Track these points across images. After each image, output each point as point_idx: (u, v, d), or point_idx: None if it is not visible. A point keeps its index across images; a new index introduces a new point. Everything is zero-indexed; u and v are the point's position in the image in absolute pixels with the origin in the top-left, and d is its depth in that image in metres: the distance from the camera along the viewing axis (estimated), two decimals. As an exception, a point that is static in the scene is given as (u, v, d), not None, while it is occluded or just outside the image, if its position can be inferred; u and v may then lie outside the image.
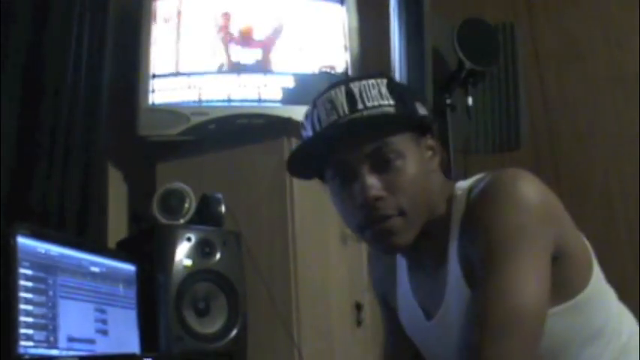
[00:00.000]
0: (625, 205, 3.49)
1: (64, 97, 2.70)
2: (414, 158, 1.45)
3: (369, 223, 1.44)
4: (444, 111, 3.04)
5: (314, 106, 1.49)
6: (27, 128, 2.58)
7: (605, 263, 3.25)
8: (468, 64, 2.97)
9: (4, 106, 2.50)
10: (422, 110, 1.50)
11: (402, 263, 1.63)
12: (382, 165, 1.43)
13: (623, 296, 3.18)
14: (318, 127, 1.47)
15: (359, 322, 3.06)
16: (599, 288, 1.48)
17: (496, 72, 3.17)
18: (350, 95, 1.45)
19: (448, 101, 3.03)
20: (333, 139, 1.46)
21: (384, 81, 1.48)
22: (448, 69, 3.04)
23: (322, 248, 3.02)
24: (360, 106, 1.44)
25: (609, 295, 1.53)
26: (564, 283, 1.41)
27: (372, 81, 1.47)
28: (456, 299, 1.44)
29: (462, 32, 3.01)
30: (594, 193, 3.56)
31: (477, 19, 3.09)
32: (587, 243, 1.52)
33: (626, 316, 1.56)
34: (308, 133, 1.50)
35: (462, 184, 1.50)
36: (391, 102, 1.44)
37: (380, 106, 1.44)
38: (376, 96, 1.44)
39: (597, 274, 1.49)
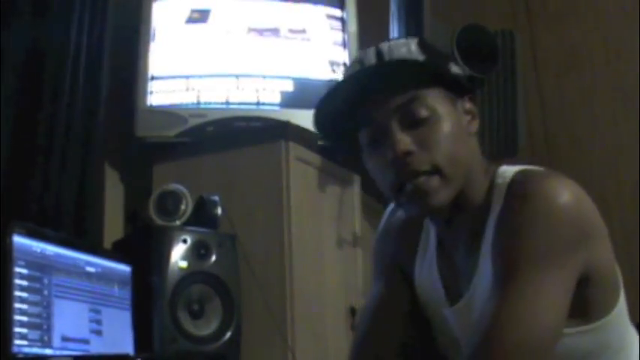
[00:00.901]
0: (622, 213, 3.49)
1: (62, 98, 2.70)
2: (449, 117, 1.38)
3: (401, 180, 1.35)
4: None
5: (346, 67, 1.47)
6: (25, 128, 2.58)
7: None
8: (466, 71, 2.97)
9: (2, 106, 2.50)
10: (456, 70, 1.44)
11: (430, 238, 1.53)
12: (413, 120, 1.36)
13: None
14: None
15: (353, 327, 3.06)
16: (622, 313, 1.44)
17: (495, 79, 3.17)
18: (379, 53, 1.39)
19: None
20: (360, 91, 1.39)
21: (415, 40, 1.41)
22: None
23: (317, 252, 3.02)
24: (387, 58, 1.37)
25: (628, 318, 1.48)
26: (592, 306, 1.37)
27: (402, 40, 1.42)
28: (481, 293, 1.37)
29: (461, 39, 3.01)
30: (591, 200, 3.56)
31: (477, 26, 3.10)
32: (617, 267, 1.46)
33: (635, 337, 1.51)
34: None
35: (506, 171, 1.42)
36: (420, 57, 1.38)
37: (407, 60, 1.38)
38: (405, 53, 1.38)
39: (623, 299, 1.44)
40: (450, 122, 1.37)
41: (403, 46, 1.39)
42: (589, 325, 1.37)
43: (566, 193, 1.32)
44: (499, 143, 3.16)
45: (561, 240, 1.28)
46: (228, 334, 2.64)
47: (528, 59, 3.63)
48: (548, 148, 3.68)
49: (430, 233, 1.53)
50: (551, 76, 3.78)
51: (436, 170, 1.34)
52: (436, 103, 1.37)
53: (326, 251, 3.06)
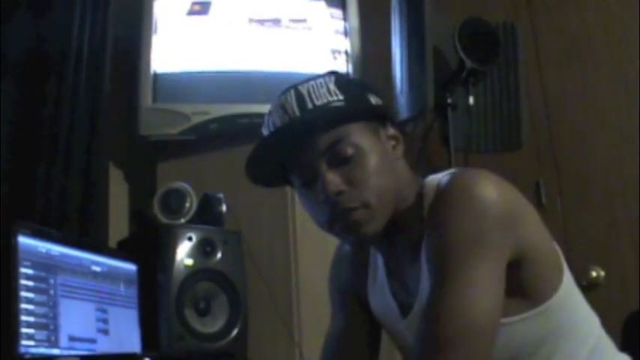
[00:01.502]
0: (626, 205, 3.48)
1: (65, 97, 2.70)
2: (373, 149, 1.45)
3: (334, 217, 1.44)
4: (445, 110, 3.04)
5: (269, 113, 1.51)
6: (28, 128, 2.58)
7: (606, 263, 3.25)
8: (468, 64, 2.97)
9: (5, 106, 2.50)
10: (375, 100, 1.49)
11: (378, 262, 1.61)
12: (340, 159, 1.43)
13: (625, 293, 3.18)
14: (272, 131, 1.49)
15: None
16: (569, 293, 1.46)
17: (497, 71, 3.17)
18: (299, 97, 1.46)
19: (449, 100, 3.03)
20: (287, 141, 1.47)
21: (332, 78, 1.48)
22: (449, 68, 3.04)
23: (323, 248, 3.01)
24: (309, 106, 1.44)
25: (578, 299, 1.51)
26: (533, 289, 1.40)
27: (320, 80, 1.48)
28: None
29: (463, 31, 3.01)
30: (595, 193, 3.55)
31: (478, 19, 3.09)
32: (556, 247, 1.49)
33: (592, 319, 1.54)
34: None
35: (432, 180, 1.48)
36: (340, 97, 1.44)
37: (329, 102, 1.44)
38: (325, 94, 1.45)
39: (568, 279, 1.46)
40: (375, 155, 1.44)
41: (322, 87, 1.46)
42: (534, 310, 1.40)
43: (482, 182, 1.36)
44: (503, 136, 3.16)
45: (484, 225, 1.32)
46: (235, 331, 2.65)
47: (530, 51, 3.62)
48: (551, 139, 3.67)
49: (377, 258, 1.61)
50: (553, 68, 3.77)
51: (366, 206, 1.42)
52: (360, 138, 1.44)
53: (331, 247, 3.05)
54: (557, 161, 3.63)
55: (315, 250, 2.93)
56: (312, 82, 1.48)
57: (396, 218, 1.46)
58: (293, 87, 1.49)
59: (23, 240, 2.09)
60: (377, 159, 1.44)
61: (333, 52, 3.29)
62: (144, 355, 2.45)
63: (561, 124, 3.70)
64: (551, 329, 1.42)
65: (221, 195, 2.81)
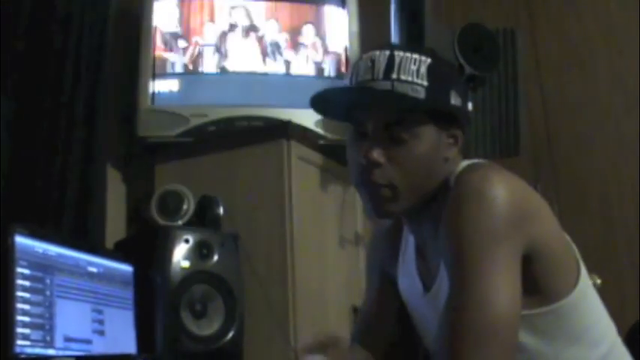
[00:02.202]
0: (623, 212, 3.49)
1: (63, 97, 2.70)
2: (427, 141, 1.47)
3: (363, 182, 1.49)
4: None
5: (360, 58, 1.53)
6: (26, 128, 2.58)
7: (603, 268, 3.25)
8: (468, 70, 2.97)
9: (3, 106, 2.50)
10: (455, 100, 1.51)
11: (409, 241, 1.64)
12: (394, 138, 1.46)
13: (622, 300, 3.19)
14: (353, 80, 1.50)
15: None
16: (584, 296, 1.47)
17: (496, 77, 3.17)
18: (390, 62, 1.47)
19: (448, 106, 3.03)
20: (358, 96, 1.52)
21: (428, 60, 1.48)
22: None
23: (320, 251, 3.02)
24: (394, 75, 1.46)
25: (594, 302, 1.52)
26: (545, 286, 1.41)
27: (416, 56, 1.48)
28: (445, 282, 1.44)
29: (462, 37, 3.01)
30: (593, 199, 3.56)
31: (478, 25, 3.09)
32: (573, 246, 1.51)
33: (608, 325, 1.54)
34: (346, 81, 1.54)
35: (458, 169, 1.51)
36: (425, 83, 1.45)
37: (412, 82, 1.45)
38: (413, 72, 1.46)
39: (584, 282, 1.47)
40: (425, 147, 1.47)
41: (414, 65, 1.46)
42: (544, 308, 1.41)
43: (496, 177, 1.39)
44: (501, 142, 3.16)
45: (499, 219, 1.34)
46: (231, 334, 2.64)
47: (529, 58, 3.62)
48: (550, 146, 3.67)
49: (409, 237, 1.64)
50: (553, 74, 3.78)
51: (392, 187, 1.47)
52: (419, 128, 1.47)
53: (328, 250, 3.06)
54: (555, 167, 3.64)
55: (312, 253, 2.94)
56: (409, 54, 1.48)
57: (427, 205, 1.51)
58: (393, 47, 1.51)
59: (20, 240, 2.08)
60: (426, 152, 1.48)
61: (333, 55, 3.29)
62: (139, 356, 2.45)
63: (560, 130, 3.71)
64: (560, 330, 1.42)
65: (218, 197, 2.81)
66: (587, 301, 1.48)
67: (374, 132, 1.47)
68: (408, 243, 1.65)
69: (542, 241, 1.40)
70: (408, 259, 1.65)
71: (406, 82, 1.45)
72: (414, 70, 1.46)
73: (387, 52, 1.48)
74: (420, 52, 1.50)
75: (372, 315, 1.76)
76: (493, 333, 1.28)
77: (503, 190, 1.36)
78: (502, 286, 1.31)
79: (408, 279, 1.64)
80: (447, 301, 1.35)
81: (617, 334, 1.55)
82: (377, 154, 1.45)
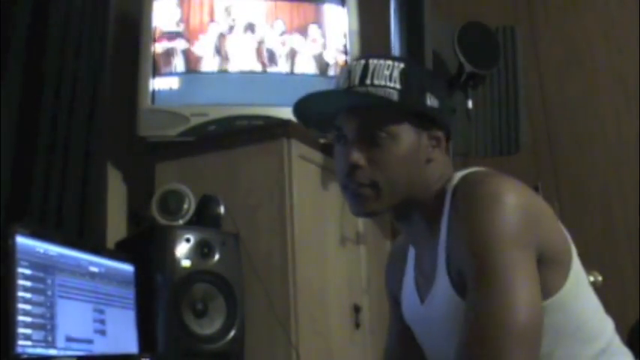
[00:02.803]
0: (624, 210, 3.49)
1: (64, 97, 2.70)
2: (405, 142, 1.53)
3: (346, 184, 1.55)
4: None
5: (343, 69, 1.63)
6: (27, 128, 2.58)
7: (604, 267, 3.25)
8: (468, 68, 2.96)
9: (4, 106, 2.50)
10: (431, 101, 1.56)
11: (410, 255, 1.68)
12: (371, 140, 1.53)
13: (623, 299, 3.18)
14: (332, 88, 1.62)
15: (357, 325, 3.06)
16: (574, 294, 1.48)
17: (496, 75, 3.17)
18: (365, 69, 1.56)
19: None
20: (336, 103, 1.59)
21: (401, 65, 1.55)
22: (448, 72, 3.03)
23: (321, 250, 3.02)
24: (368, 81, 1.54)
25: (587, 298, 1.53)
26: (542, 283, 1.42)
27: (389, 62, 1.56)
28: (441, 289, 1.48)
29: (462, 35, 3.01)
30: (593, 198, 3.56)
31: (478, 23, 3.09)
32: (569, 240, 1.52)
33: (604, 322, 1.56)
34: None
35: (456, 176, 1.55)
36: (397, 86, 1.53)
37: (385, 86, 1.53)
38: (386, 77, 1.53)
39: (575, 279, 1.48)
40: (404, 149, 1.53)
41: (387, 70, 1.55)
42: (544, 302, 1.42)
43: (506, 183, 1.43)
44: (502, 140, 3.16)
45: (516, 224, 1.38)
46: (232, 333, 2.64)
47: (529, 56, 3.62)
48: (550, 144, 3.67)
49: (410, 252, 1.69)
50: (553, 72, 3.78)
51: (374, 186, 1.53)
52: (397, 130, 1.53)
53: (329, 249, 3.06)
54: (555, 166, 3.64)
55: (313, 252, 2.94)
56: (383, 61, 1.56)
57: (416, 207, 1.56)
58: (368, 57, 1.59)
59: (21, 240, 2.09)
60: (405, 152, 1.53)
61: (334, 60, 3.29)
62: (141, 356, 2.45)
63: (560, 128, 3.71)
64: (552, 326, 1.43)
65: (219, 197, 2.81)
66: (577, 298, 1.49)
67: (353, 135, 1.54)
68: (409, 257, 1.69)
69: (547, 242, 1.43)
70: (408, 274, 1.68)
71: (379, 86, 1.53)
72: (387, 75, 1.53)
73: (363, 62, 1.57)
74: (394, 59, 1.57)
75: (397, 345, 1.80)
76: (520, 338, 1.30)
77: (515, 195, 1.41)
78: (525, 290, 1.33)
79: (408, 293, 1.67)
80: (468, 308, 1.37)
81: (614, 331, 1.56)
82: (357, 157, 1.52)
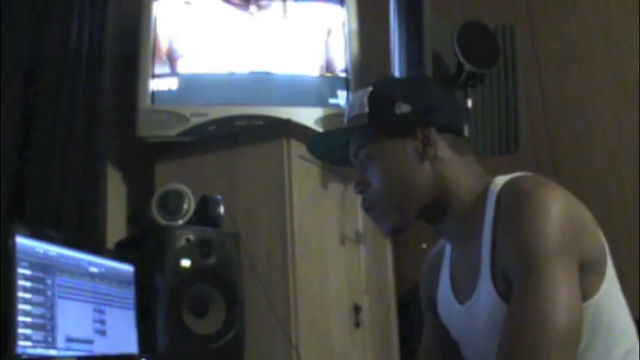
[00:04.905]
0: (624, 210, 3.48)
1: (64, 98, 2.70)
2: (389, 155, 1.61)
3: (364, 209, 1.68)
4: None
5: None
6: (27, 128, 2.58)
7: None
8: (467, 67, 2.96)
9: (4, 106, 2.50)
10: (401, 109, 1.61)
11: (446, 256, 1.72)
12: (361, 166, 1.65)
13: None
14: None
15: (357, 324, 3.06)
16: (610, 291, 1.51)
17: (496, 74, 3.17)
18: (347, 107, 1.70)
19: (447, 103, 3.02)
20: (331, 143, 1.75)
21: (369, 90, 1.65)
22: (448, 71, 3.03)
23: (321, 250, 3.02)
24: (348, 116, 1.67)
25: (619, 299, 1.56)
26: (581, 288, 1.43)
27: (361, 91, 1.66)
28: (484, 294, 1.50)
29: (461, 35, 3.01)
30: (593, 197, 3.54)
31: (477, 22, 3.09)
32: (605, 246, 1.54)
33: (631, 323, 1.57)
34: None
35: (500, 179, 1.58)
36: (366, 110, 1.62)
37: (357, 115, 1.64)
38: (357, 107, 1.64)
39: (610, 281, 1.52)
40: (390, 163, 1.61)
41: (358, 99, 1.65)
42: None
43: (555, 195, 1.46)
44: (501, 139, 3.16)
45: (562, 234, 1.41)
46: (232, 333, 2.65)
47: (529, 55, 3.62)
48: (549, 143, 3.67)
49: (447, 254, 1.73)
50: (552, 71, 3.78)
51: (374, 206, 1.64)
52: (377, 149, 1.62)
53: (329, 249, 3.06)
54: (555, 164, 3.63)
55: (313, 252, 2.94)
56: (357, 93, 1.68)
57: (441, 208, 1.61)
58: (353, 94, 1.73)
59: (21, 241, 2.09)
60: (392, 165, 1.61)
61: (333, 60, 3.29)
62: (141, 356, 2.45)
63: (560, 127, 3.71)
64: (587, 326, 1.45)
65: (219, 196, 2.81)
66: (611, 299, 1.52)
67: (355, 163, 1.67)
68: (445, 258, 1.72)
69: (588, 250, 1.46)
70: (444, 272, 1.71)
71: (352, 117, 1.64)
72: (357, 105, 1.64)
73: (350, 97, 1.68)
74: (368, 86, 1.66)
75: (432, 352, 1.82)
76: (559, 340, 1.33)
77: (564, 206, 1.44)
78: (567, 295, 1.37)
79: (443, 292, 1.70)
80: (511, 311, 1.40)
81: (637, 336, 1.57)
82: (355, 185, 1.67)
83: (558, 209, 1.42)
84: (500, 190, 1.53)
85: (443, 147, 1.61)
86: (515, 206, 1.46)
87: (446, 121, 1.64)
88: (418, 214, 1.61)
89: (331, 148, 1.74)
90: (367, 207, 1.65)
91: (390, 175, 1.61)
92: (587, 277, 1.45)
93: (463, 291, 1.60)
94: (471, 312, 1.55)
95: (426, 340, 1.84)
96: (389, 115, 1.61)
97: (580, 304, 1.39)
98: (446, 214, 1.61)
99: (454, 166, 1.62)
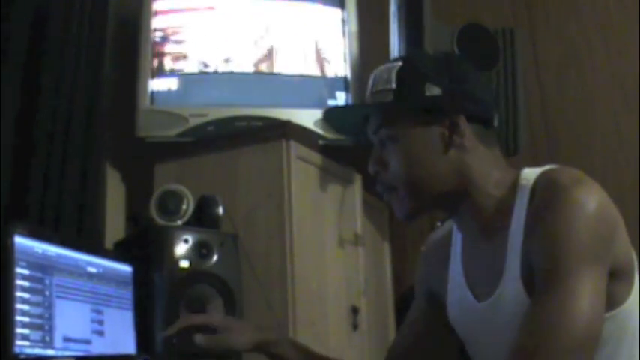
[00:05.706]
0: (624, 212, 3.48)
1: (62, 97, 2.70)
2: (412, 138, 1.54)
3: (379, 190, 1.61)
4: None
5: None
6: (25, 128, 2.57)
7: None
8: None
9: (3, 106, 2.50)
10: (430, 91, 1.53)
11: (457, 250, 1.65)
12: (380, 145, 1.58)
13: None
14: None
15: (355, 326, 3.06)
16: (636, 301, 1.49)
17: (495, 77, 3.17)
18: (372, 79, 1.61)
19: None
20: (351, 118, 1.70)
21: (398, 65, 1.56)
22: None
23: (319, 251, 3.02)
24: (372, 90, 1.59)
25: None
26: (612, 295, 1.42)
27: (389, 64, 1.58)
28: (511, 291, 1.46)
29: (461, 37, 3.01)
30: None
31: (477, 24, 3.10)
32: (634, 256, 1.51)
33: None
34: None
35: (529, 173, 1.55)
36: (393, 86, 1.54)
37: (382, 90, 1.56)
38: (384, 81, 1.56)
39: (637, 288, 1.49)
40: (411, 145, 1.54)
41: (385, 74, 1.57)
42: (609, 312, 1.41)
43: (593, 194, 1.42)
44: (500, 142, 3.16)
45: (594, 237, 1.37)
46: (231, 334, 2.64)
47: (529, 57, 3.62)
48: (549, 146, 3.68)
49: (456, 247, 1.66)
50: (552, 73, 3.78)
51: (392, 189, 1.56)
52: (400, 130, 1.55)
53: (327, 250, 3.06)
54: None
55: (312, 253, 2.94)
56: (383, 67, 1.60)
57: (459, 200, 1.55)
58: (379, 67, 1.62)
59: (19, 240, 2.08)
60: (413, 148, 1.54)
61: (332, 62, 3.29)
62: (139, 356, 2.45)
63: (559, 129, 3.71)
64: (616, 332, 1.44)
65: (218, 197, 2.81)
66: (637, 307, 1.49)
67: (373, 139, 1.60)
68: (456, 253, 1.65)
69: (619, 257, 1.44)
70: (454, 267, 1.65)
71: (377, 92, 1.57)
72: (384, 79, 1.56)
73: (374, 71, 1.61)
74: (396, 59, 1.60)
75: (409, 333, 1.80)
76: (573, 345, 1.30)
77: (599, 208, 1.41)
78: (589, 301, 1.33)
79: (456, 292, 1.63)
80: (530, 309, 1.37)
81: None
82: (371, 165, 1.59)
83: (595, 212, 1.39)
84: (535, 183, 1.49)
85: (471, 137, 1.55)
86: (551, 203, 1.41)
87: (478, 111, 1.56)
88: (436, 202, 1.56)
89: (348, 119, 1.68)
90: (382, 189, 1.58)
91: (410, 161, 1.54)
92: (617, 284, 1.43)
93: (481, 288, 1.55)
94: (491, 310, 1.50)
95: (403, 328, 1.81)
96: (417, 95, 1.54)
97: (601, 315, 1.35)
98: (465, 205, 1.55)
99: (480, 157, 1.56)
